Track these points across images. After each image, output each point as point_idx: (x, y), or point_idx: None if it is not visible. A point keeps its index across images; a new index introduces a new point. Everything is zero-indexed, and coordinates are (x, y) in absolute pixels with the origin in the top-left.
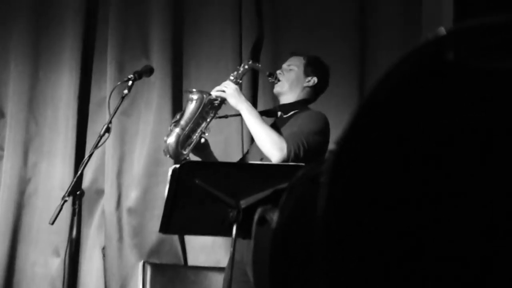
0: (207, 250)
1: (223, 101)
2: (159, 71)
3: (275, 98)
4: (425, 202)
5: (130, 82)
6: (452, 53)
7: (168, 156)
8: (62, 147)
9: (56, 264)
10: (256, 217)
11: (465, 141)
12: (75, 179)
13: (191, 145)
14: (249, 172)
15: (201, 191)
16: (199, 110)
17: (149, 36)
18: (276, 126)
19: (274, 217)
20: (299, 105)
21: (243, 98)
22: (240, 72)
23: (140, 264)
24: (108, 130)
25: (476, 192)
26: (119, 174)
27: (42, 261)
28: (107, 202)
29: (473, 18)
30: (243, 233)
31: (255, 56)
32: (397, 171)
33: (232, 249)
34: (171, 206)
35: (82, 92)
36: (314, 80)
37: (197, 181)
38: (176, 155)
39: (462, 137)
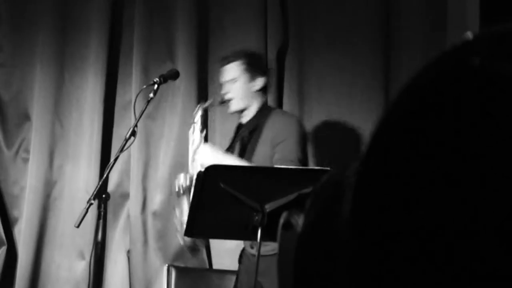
0: (232, 253)
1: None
2: (184, 75)
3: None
4: (454, 206)
5: (155, 86)
6: (479, 59)
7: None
8: (87, 150)
9: (81, 267)
10: (281, 221)
11: (493, 149)
12: (100, 183)
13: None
14: (274, 176)
15: (226, 195)
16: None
17: (175, 40)
18: (249, 149)
19: (299, 221)
20: (262, 115)
21: (219, 152)
22: (196, 120)
23: (165, 267)
24: (133, 133)
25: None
26: (144, 177)
27: (67, 264)
28: (132, 206)
29: (500, 21)
30: (268, 237)
31: (280, 59)
32: (423, 176)
33: (257, 253)
34: (196, 210)
35: (107, 95)
36: (260, 80)
37: (222, 185)
38: (195, 247)
39: (489, 144)
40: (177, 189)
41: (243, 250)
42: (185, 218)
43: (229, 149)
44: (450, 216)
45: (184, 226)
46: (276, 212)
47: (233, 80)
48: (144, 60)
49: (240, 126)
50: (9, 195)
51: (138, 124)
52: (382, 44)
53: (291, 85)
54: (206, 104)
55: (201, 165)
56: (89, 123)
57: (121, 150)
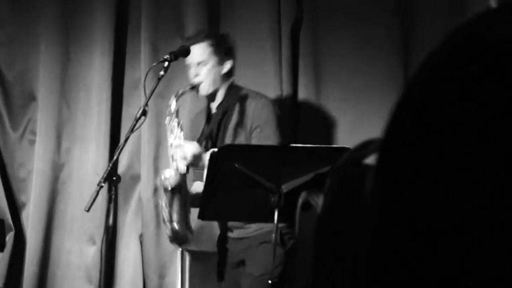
0: None
1: (188, 167)
2: None
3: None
4: (478, 187)
5: (166, 63)
6: (504, 29)
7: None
8: (96, 132)
9: (91, 253)
10: (300, 201)
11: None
12: (111, 165)
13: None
14: (290, 155)
15: (241, 175)
16: (180, 197)
17: (184, 16)
18: (220, 135)
19: (319, 202)
20: (231, 98)
21: (203, 155)
22: (172, 111)
23: (179, 251)
24: (144, 113)
25: None
26: (156, 158)
27: (77, 250)
28: (144, 188)
29: None
30: (285, 218)
31: (294, 35)
32: (447, 154)
33: (273, 235)
34: (209, 192)
35: (115, 74)
36: (228, 62)
37: (236, 165)
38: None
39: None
40: (164, 185)
41: (221, 235)
42: (175, 214)
43: (202, 136)
44: (476, 204)
45: (171, 220)
46: (293, 193)
47: (202, 63)
48: (153, 37)
49: (209, 111)
50: (16, 179)
51: (149, 103)
52: (401, 17)
53: (306, 62)
54: (180, 92)
55: (184, 159)
56: (97, 103)
57: (132, 130)
